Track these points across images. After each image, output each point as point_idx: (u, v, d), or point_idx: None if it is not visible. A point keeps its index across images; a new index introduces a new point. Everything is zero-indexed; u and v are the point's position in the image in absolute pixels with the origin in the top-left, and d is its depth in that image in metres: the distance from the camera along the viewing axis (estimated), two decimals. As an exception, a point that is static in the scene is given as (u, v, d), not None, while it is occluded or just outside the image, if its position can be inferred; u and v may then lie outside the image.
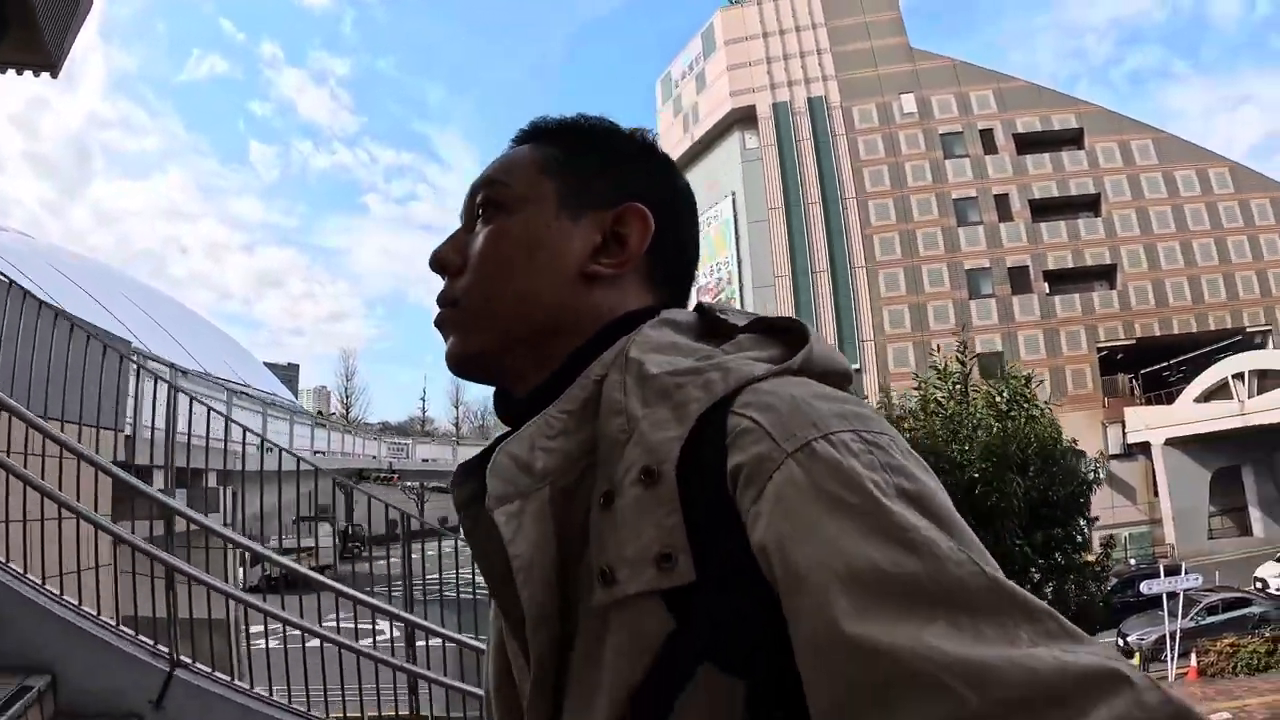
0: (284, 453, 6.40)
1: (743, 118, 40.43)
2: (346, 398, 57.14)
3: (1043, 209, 35.37)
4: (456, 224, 0.75)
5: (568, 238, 0.68)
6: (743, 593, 0.49)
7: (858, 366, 36.52)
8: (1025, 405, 9.71)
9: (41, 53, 4.79)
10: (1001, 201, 35.60)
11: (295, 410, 22.21)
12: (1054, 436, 9.89)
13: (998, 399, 9.76)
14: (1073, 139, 36.03)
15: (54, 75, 5.05)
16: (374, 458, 28.47)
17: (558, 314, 0.66)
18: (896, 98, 37.39)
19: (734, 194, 40.01)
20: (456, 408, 61.44)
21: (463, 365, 0.68)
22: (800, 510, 0.47)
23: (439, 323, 0.70)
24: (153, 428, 6.33)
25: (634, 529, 0.52)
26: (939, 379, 10.08)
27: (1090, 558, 10.74)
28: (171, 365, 10.06)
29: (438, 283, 0.72)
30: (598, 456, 0.58)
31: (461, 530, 0.68)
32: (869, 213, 36.84)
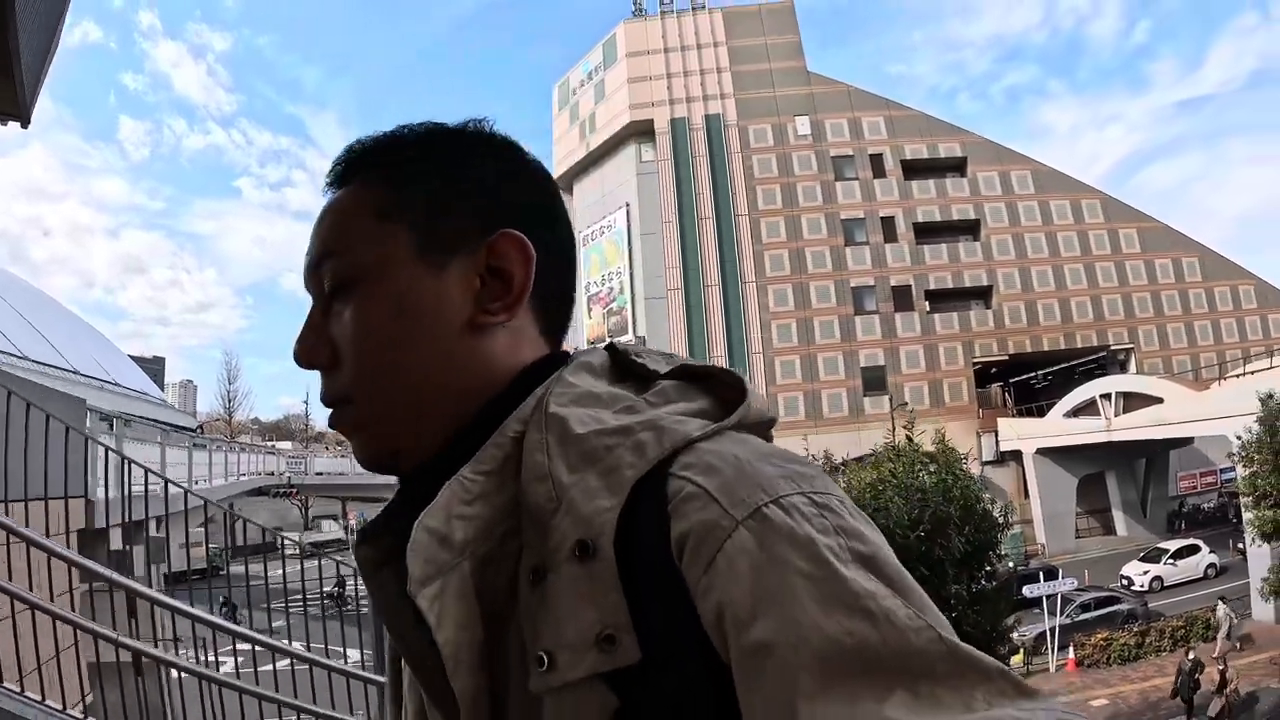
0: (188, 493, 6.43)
1: (640, 130, 40.02)
2: (229, 403, 53.21)
3: (926, 231, 36.36)
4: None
5: (440, 291, 0.59)
6: (691, 669, 0.46)
7: (747, 378, 36.04)
8: (959, 474, 11.17)
9: (17, 103, 4.69)
10: (888, 223, 36.44)
11: (194, 435, 20.35)
12: (977, 494, 11.35)
13: (935, 469, 11.20)
14: (956, 167, 37.24)
15: (24, 125, 4.91)
16: (271, 474, 27.65)
17: (457, 379, 0.59)
18: (792, 119, 37.80)
19: (628, 205, 39.35)
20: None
21: (382, 467, 0.61)
22: (755, 581, 0.44)
23: (334, 424, 0.61)
24: (107, 488, 6.29)
25: (571, 609, 0.48)
26: (892, 456, 11.44)
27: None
28: (120, 417, 9.71)
29: None
30: (521, 522, 0.53)
31: (370, 599, 0.62)
32: (761, 230, 36.83)
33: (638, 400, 0.56)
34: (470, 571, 0.52)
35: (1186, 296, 36.59)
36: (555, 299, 0.64)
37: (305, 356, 0.61)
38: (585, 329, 40.45)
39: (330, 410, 0.61)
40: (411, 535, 0.52)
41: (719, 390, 0.58)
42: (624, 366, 0.61)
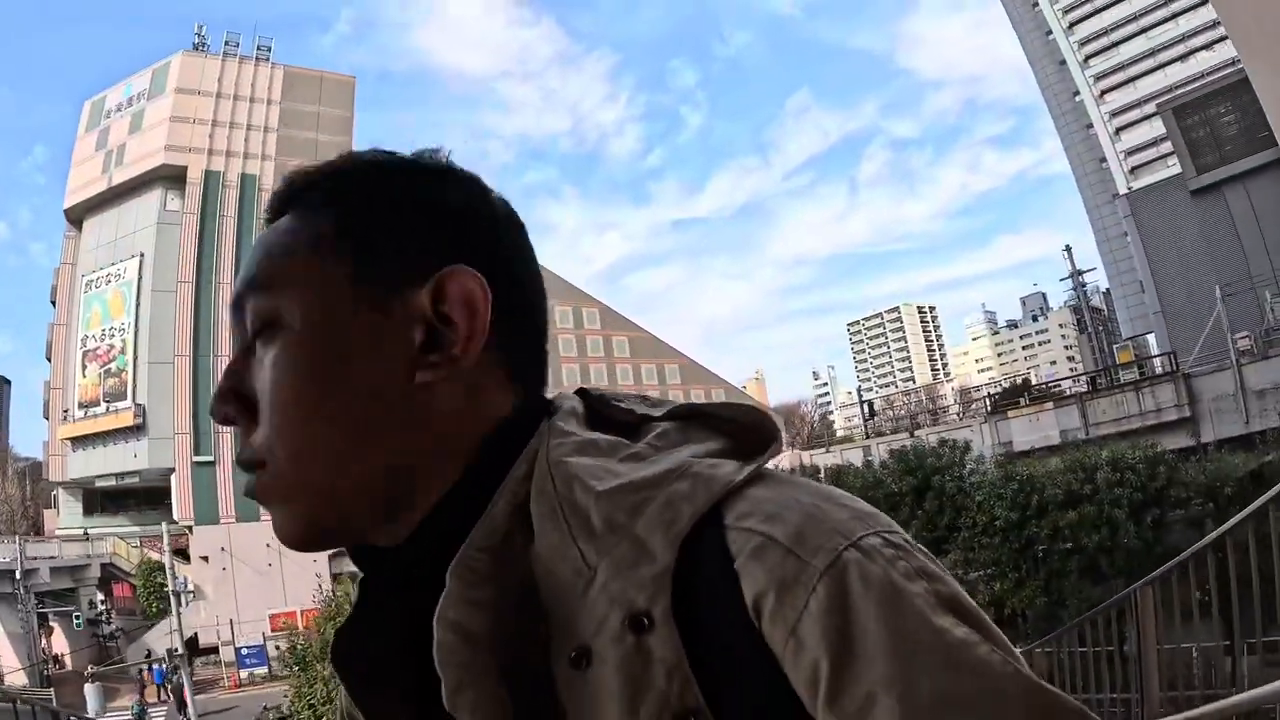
0: None
1: (172, 175, 37.68)
2: None
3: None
4: None
5: (379, 339, 0.51)
6: None
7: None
8: None
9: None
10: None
11: None
12: None
13: None
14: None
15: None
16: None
17: (402, 447, 0.51)
18: (327, 194, 38.23)
19: (143, 255, 36.69)
20: None
21: (306, 545, 0.52)
22: (850, 637, 0.40)
23: (250, 493, 0.52)
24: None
25: (629, 697, 0.42)
26: None
27: None
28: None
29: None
30: (543, 603, 0.46)
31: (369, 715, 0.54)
32: (278, 304, 36.71)
33: (640, 447, 0.50)
34: (496, 669, 0.45)
35: (668, 398, 44.00)
36: (526, 341, 0.56)
37: (221, 410, 0.52)
38: (76, 389, 36.78)
39: (246, 475, 0.52)
40: (436, 637, 0.45)
41: (721, 427, 0.52)
42: (598, 412, 0.55)
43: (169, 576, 24.24)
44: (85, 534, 33.00)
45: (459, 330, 0.51)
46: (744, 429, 0.51)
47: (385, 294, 0.51)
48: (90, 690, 23.11)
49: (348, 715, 0.59)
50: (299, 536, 0.51)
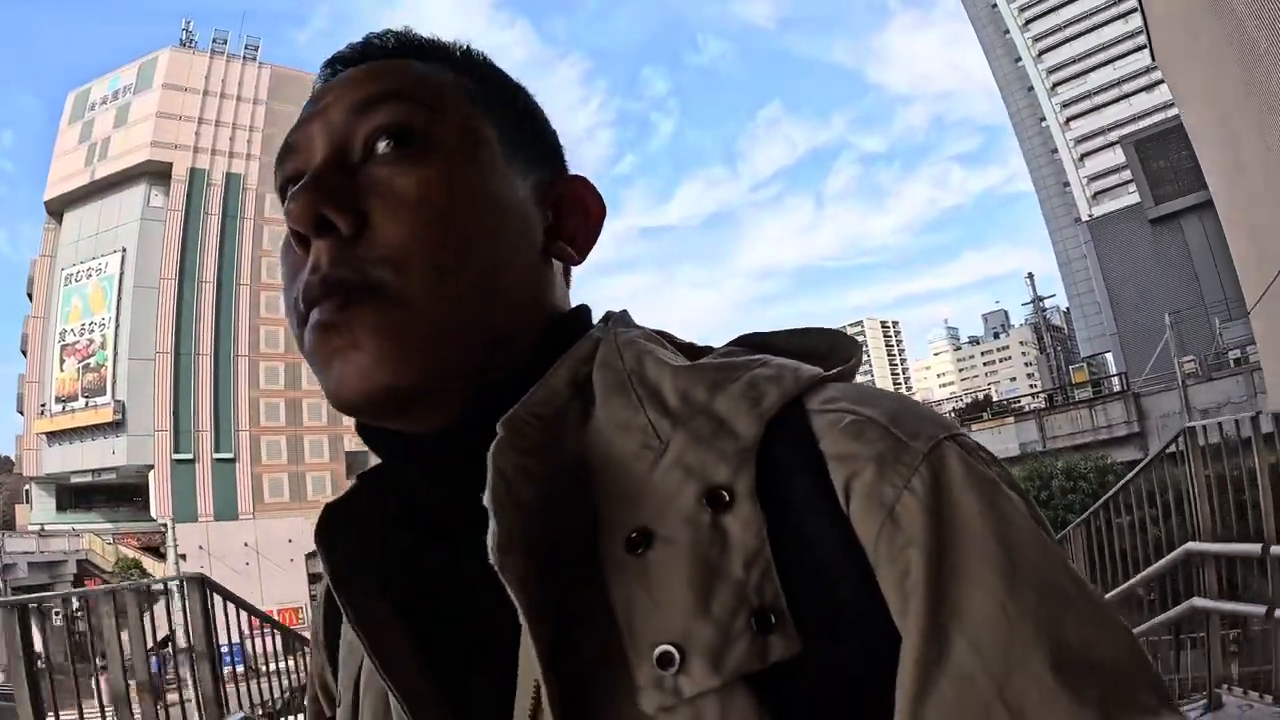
0: None
1: (156, 171, 37.73)
2: None
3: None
4: None
5: (526, 204, 0.47)
6: (857, 654, 0.35)
7: (232, 455, 35.75)
8: None
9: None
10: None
11: None
12: None
13: None
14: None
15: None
16: None
17: (514, 315, 0.46)
18: (313, 195, 38.52)
19: (125, 250, 36.71)
20: None
21: (380, 397, 0.41)
22: (955, 523, 0.35)
23: (329, 325, 0.41)
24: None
25: (697, 585, 0.36)
26: None
27: None
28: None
29: None
30: (594, 481, 0.41)
31: (352, 620, 0.42)
32: (260, 303, 36.90)
33: (702, 361, 0.44)
34: (541, 543, 0.38)
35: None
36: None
37: (314, 206, 0.41)
38: (53, 383, 36.66)
39: (321, 301, 0.41)
40: (489, 480, 0.38)
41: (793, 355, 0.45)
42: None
43: (175, 566, 24.32)
44: (73, 530, 32.80)
45: (576, 230, 0.50)
46: (817, 357, 0.45)
47: (524, 170, 0.48)
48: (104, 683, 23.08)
49: (319, 680, 0.56)
50: (380, 386, 0.41)
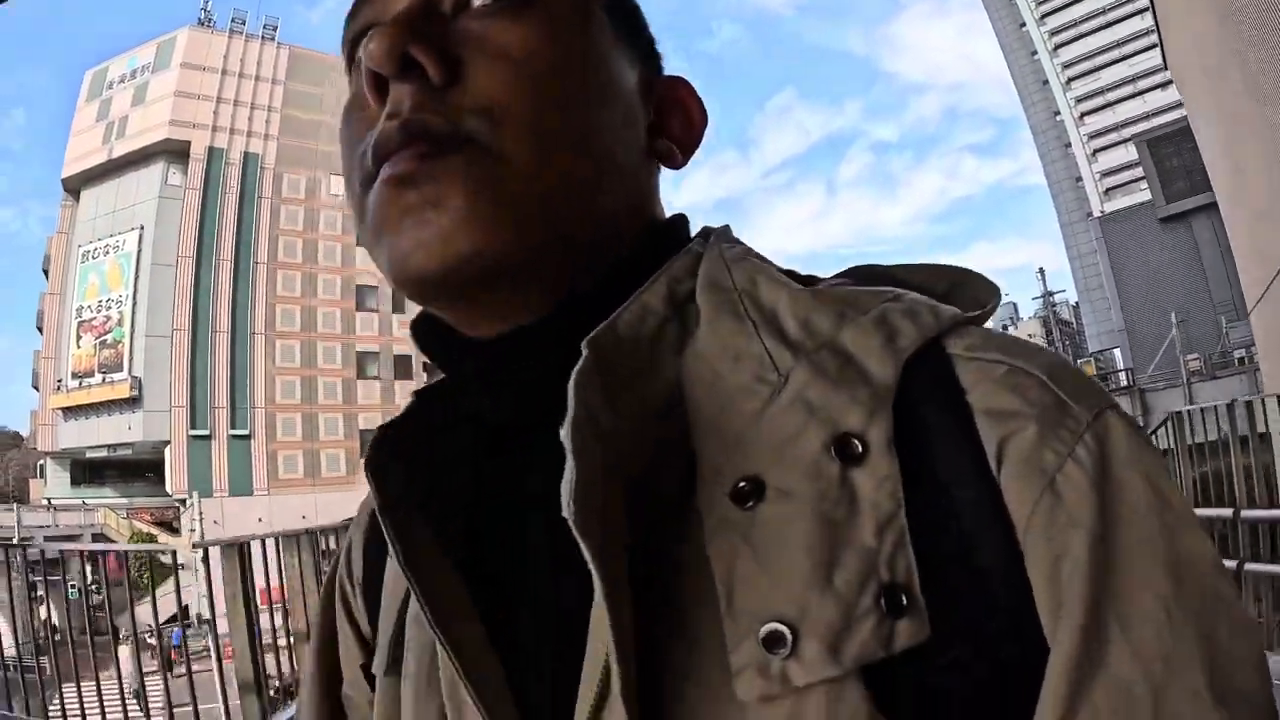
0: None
1: (174, 150, 38.07)
2: None
3: (438, 310, 40.19)
4: None
5: (633, 94, 0.43)
6: (992, 646, 0.30)
7: (248, 432, 36.38)
8: None
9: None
10: (397, 295, 39.03)
11: None
12: None
13: None
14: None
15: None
16: None
17: (626, 209, 0.42)
18: (327, 176, 38.85)
19: (143, 228, 37.14)
20: None
21: (476, 271, 0.36)
22: (1121, 500, 0.31)
23: (406, 177, 0.36)
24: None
25: (819, 552, 0.31)
26: None
27: None
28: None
29: None
30: (690, 423, 0.35)
31: (400, 559, 0.36)
32: (278, 281, 37.38)
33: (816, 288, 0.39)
34: (624, 489, 0.33)
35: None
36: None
37: (400, 44, 0.35)
38: (70, 359, 37.24)
39: (406, 146, 0.35)
40: (570, 410, 0.31)
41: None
42: None
43: (201, 536, 24.84)
44: (84, 504, 33.47)
45: (679, 133, 0.45)
46: (935, 297, 0.38)
47: (630, 59, 0.43)
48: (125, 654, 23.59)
49: (351, 626, 0.49)
50: (463, 252, 0.35)
